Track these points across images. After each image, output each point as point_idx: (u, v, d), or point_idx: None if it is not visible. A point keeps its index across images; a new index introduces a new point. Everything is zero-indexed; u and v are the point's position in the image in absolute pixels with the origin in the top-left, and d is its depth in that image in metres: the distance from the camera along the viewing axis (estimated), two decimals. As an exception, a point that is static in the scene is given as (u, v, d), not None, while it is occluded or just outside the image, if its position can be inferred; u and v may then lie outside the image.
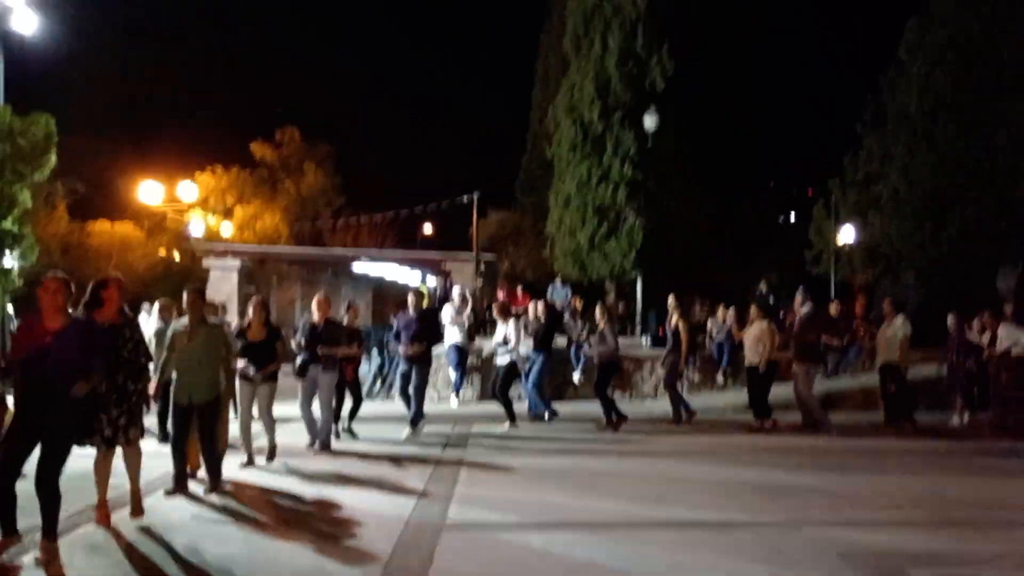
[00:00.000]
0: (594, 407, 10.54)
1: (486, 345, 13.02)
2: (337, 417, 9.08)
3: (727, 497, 6.24)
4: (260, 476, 7.03)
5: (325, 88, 52.86)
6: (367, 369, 14.09)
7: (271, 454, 7.62)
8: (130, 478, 5.61)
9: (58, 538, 4.55)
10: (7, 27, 11.70)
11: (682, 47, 17.69)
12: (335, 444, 8.58)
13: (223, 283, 20.57)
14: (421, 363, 9.25)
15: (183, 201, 32.19)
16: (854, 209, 21.20)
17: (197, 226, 31.99)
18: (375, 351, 14.24)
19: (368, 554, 4.75)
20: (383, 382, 14.39)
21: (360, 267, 25.60)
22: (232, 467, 7.05)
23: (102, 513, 5.39)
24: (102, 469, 5.45)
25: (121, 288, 5.65)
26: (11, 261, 11.00)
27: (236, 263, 21.08)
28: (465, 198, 21.15)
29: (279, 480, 6.88)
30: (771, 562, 4.61)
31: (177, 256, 31.65)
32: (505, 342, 10.16)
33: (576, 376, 13.17)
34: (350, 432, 9.35)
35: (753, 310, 10.57)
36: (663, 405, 11.43)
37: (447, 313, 13.22)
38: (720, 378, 13.92)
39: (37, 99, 13.32)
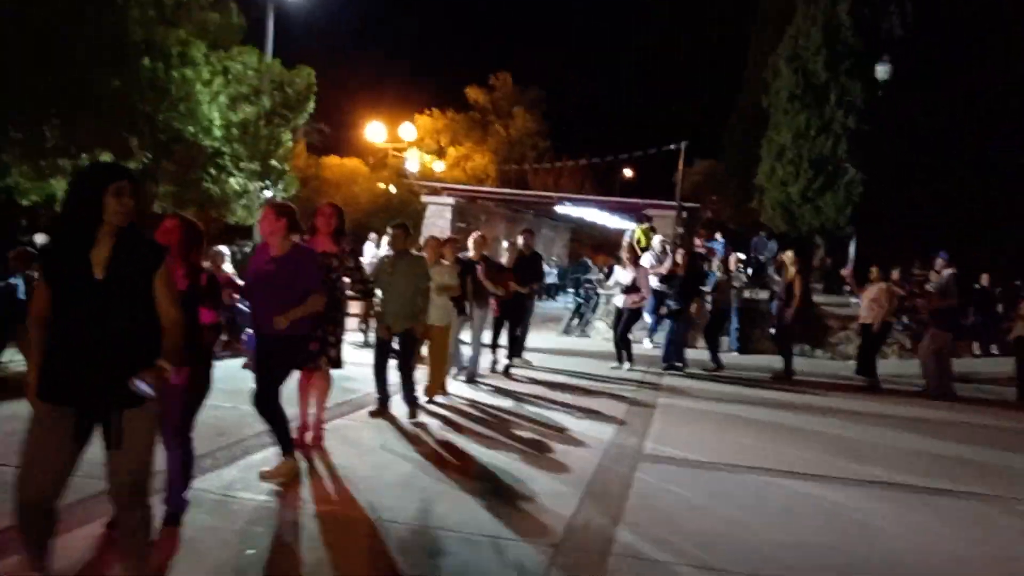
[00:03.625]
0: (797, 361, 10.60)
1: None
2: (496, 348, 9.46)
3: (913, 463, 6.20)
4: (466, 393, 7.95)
5: (538, 34, 53.63)
6: (563, 305, 14.86)
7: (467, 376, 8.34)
8: (316, 405, 5.62)
9: (293, 453, 4.77)
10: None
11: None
12: (528, 373, 9.38)
13: (438, 218, 22.24)
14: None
15: (403, 140, 34.76)
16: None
17: (413, 163, 34.45)
18: (571, 290, 14.96)
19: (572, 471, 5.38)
20: (580, 318, 15.15)
21: (562, 210, 26.35)
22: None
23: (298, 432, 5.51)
24: (301, 389, 5.59)
25: (331, 216, 5.55)
26: (272, 192, 12.83)
27: (450, 201, 22.61)
28: (672, 146, 20.96)
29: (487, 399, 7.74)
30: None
31: (395, 190, 34.34)
32: (628, 287, 10.08)
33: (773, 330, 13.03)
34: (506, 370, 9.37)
35: (874, 271, 10.07)
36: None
37: (647, 260, 13.57)
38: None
39: (291, 49, 15.16)
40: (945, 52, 16.47)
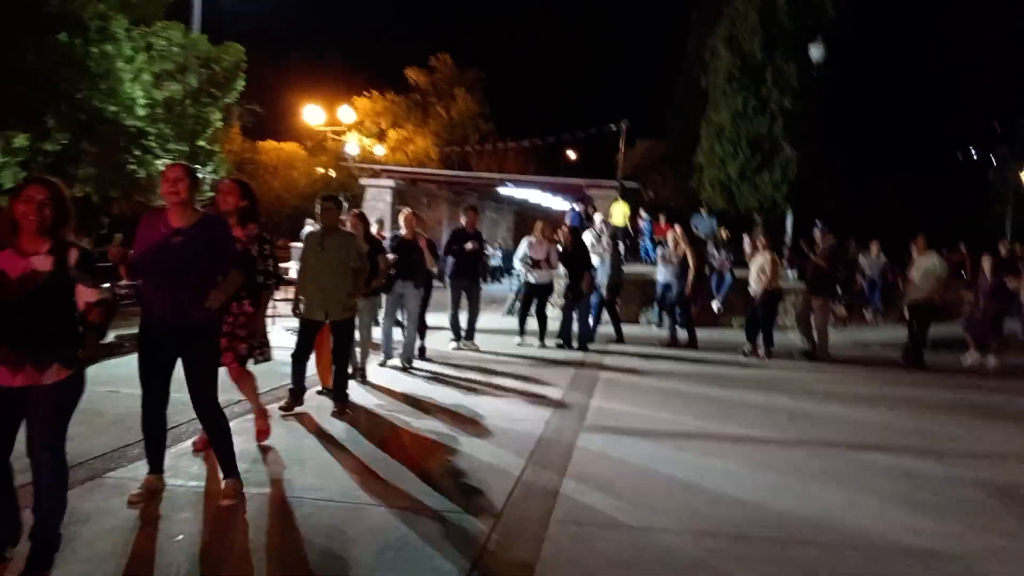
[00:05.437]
0: (731, 336, 10.71)
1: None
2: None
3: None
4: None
5: (477, 14, 53.25)
6: (508, 287, 14.77)
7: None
8: (249, 400, 5.07)
9: (240, 477, 4.09)
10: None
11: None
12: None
13: (378, 201, 21.85)
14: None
15: (342, 123, 34.05)
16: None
17: (353, 147, 33.82)
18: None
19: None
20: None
21: (505, 191, 26.25)
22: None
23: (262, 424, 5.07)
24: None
25: (229, 193, 4.74)
26: (201, 174, 12.34)
27: (390, 183, 22.25)
28: (613, 126, 21.02)
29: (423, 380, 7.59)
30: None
31: (334, 174, 33.70)
32: (535, 262, 9.95)
33: (715, 304, 13.24)
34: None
35: (762, 239, 10.36)
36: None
37: (587, 239, 13.53)
38: (869, 315, 13.64)
39: (221, 27, 14.59)
40: (882, 30, 16.91)
